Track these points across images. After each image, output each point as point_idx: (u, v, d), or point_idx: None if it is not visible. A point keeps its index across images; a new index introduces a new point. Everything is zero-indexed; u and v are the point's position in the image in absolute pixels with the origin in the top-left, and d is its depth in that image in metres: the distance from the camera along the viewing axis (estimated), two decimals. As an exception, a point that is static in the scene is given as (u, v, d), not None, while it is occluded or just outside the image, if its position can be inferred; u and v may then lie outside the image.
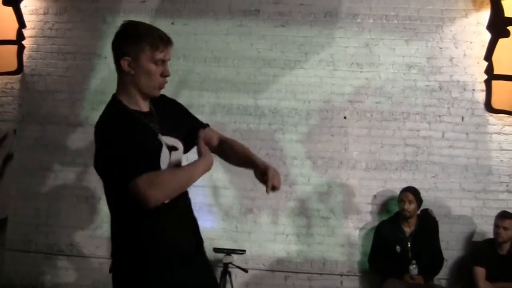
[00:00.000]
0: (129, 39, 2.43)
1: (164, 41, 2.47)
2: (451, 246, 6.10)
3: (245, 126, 6.50)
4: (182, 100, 6.38)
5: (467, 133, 6.27)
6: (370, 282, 6.15)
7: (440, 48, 6.40)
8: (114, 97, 2.55)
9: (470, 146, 6.26)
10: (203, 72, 6.64)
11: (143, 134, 2.44)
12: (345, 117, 6.42)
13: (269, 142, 6.45)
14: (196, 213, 6.06)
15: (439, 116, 6.33)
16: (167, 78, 2.58)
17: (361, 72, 6.48)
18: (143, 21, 2.63)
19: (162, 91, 2.66)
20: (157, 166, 2.43)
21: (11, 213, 6.46)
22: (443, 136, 6.30)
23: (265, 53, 6.60)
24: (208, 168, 2.53)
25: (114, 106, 2.50)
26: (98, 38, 6.83)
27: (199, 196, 6.13)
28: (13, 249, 6.43)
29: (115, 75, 2.62)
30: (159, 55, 2.44)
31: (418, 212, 5.85)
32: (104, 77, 6.57)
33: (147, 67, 2.43)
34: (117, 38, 2.48)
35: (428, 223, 5.87)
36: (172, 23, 6.72)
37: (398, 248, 5.68)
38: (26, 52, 6.88)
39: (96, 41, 6.83)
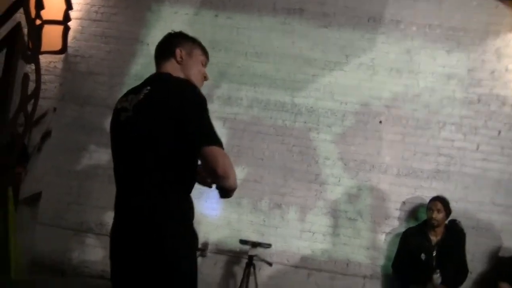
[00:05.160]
0: (187, 38, 2.85)
1: (208, 55, 2.91)
2: (476, 259, 6.06)
3: (280, 122, 6.56)
4: (220, 92, 6.59)
5: (502, 147, 6.24)
6: (392, 287, 6.15)
7: (482, 60, 6.39)
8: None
9: (504, 160, 6.22)
10: (243, 66, 6.72)
11: None
12: (380, 122, 6.44)
13: (303, 140, 6.50)
14: (226, 204, 6.18)
15: (475, 128, 6.32)
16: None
17: (400, 78, 6.50)
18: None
19: None
20: None
21: (45, 188, 6.57)
22: (477, 148, 6.28)
23: (306, 52, 6.66)
24: None
25: None
26: (142, 25, 6.98)
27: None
28: (44, 223, 6.53)
29: (154, 62, 2.86)
30: (205, 60, 2.88)
31: (446, 222, 5.81)
32: (144, 63, 6.68)
33: (196, 62, 2.82)
34: (176, 34, 2.86)
35: (455, 233, 5.82)
36: (216, 16, 6.83)
37: (423, 255, 5.65)
38: (70, 33, 7.05)
39: (139, 28, 6.98)
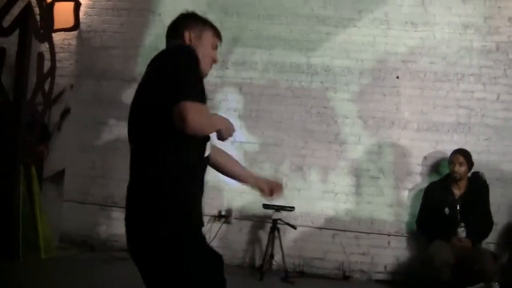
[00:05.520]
0: (198, 20, 2.75)
1: (220, 36, 2.79)
2: (501, 210, 6.02)
3: (297, 83, 6.52)
4: (235, 57, 6.55)
5: (523, 96, 6.15)
6: (417, 243, 6.14)
7: (499, 7, 6.24)
8: None
9: (526, 109, 6.13)
10: (256, 29, 6.66)
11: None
12: (397, 77, 6.36)
13: (321, 100, 6.46)
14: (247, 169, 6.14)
15: (495, 78, 6.21)
16: None
17: (415, 31, 6.39)
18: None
19: None
20: None
21: (68, 165, 6.67)
22: (498, 98, 6.19)
23: (318, 10, 6.56)
24: (228, 126, 2.54)
25: None
26: (152, -5, 6.93)
27: (250, 152, 6.22)
28: (70, 200, 6.65)
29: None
30: (216, 42, 2.77)
31: (469, 174, 5.75)
32: (158, 33, 6.64)
33: (205, 45, 2.72)
34: (187, 15, 2.77)
35: (478, 186, 5.75)
36: (227, -19, 6.75)
37: (447, 210, 5.60)
38: (82, 9, 7.03)
39: (150, -2, 6.93)
